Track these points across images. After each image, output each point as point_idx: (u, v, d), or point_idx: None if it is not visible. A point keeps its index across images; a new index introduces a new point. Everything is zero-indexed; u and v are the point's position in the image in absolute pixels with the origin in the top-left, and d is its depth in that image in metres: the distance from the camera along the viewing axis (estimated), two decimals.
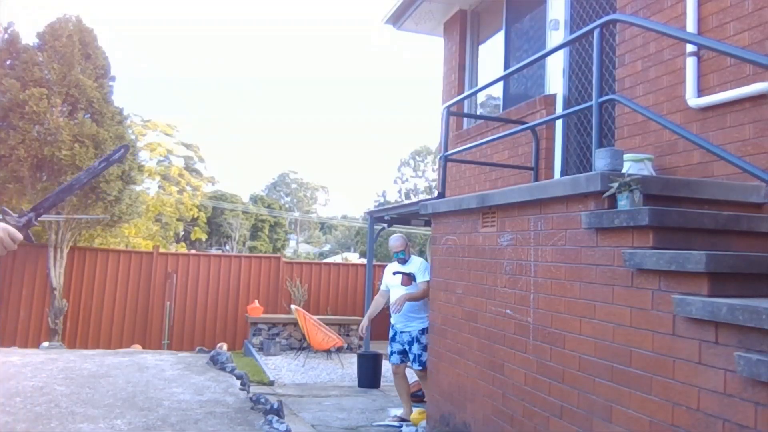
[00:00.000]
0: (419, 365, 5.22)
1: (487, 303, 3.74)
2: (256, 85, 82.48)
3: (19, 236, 1.61)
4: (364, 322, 5.69)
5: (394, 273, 5.42)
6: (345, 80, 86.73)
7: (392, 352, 5.41)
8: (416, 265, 5.43)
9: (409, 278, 5.35)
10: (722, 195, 2.87)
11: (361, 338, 5.41)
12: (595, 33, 3.19)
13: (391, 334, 5.45)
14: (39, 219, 1.79)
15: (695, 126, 3.47)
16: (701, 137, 3.16)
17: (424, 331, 5.18)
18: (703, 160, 3.40)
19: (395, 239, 5.55)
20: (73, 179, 2.02)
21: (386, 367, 8.72)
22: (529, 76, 5.78)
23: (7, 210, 1.77)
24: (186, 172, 23.02)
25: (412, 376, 5.53)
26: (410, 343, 5.26)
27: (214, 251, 26.72)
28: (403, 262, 5.46)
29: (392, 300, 5.35)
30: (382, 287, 5.73)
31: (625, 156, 3.26)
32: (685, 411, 2.20)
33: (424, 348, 5.14)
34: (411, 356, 5.28)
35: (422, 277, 5.26)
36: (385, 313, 5.75)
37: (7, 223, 1.66)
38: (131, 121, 15.55)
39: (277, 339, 10.74)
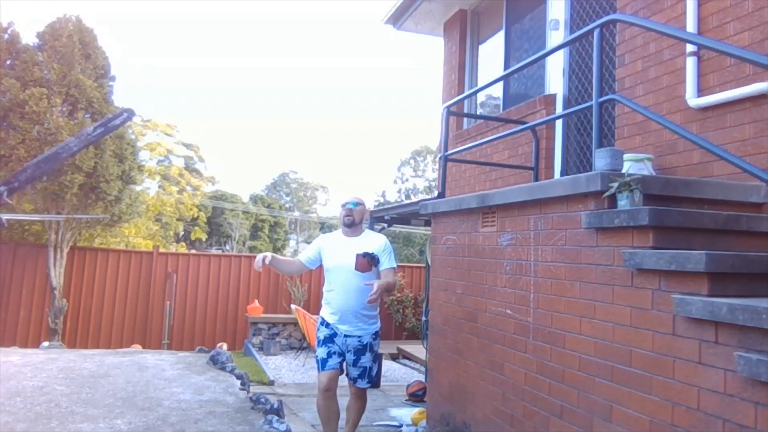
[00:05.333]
0: (367, 381, 3.97)
1: (487, 303, 3.74)
2: (256, 84, 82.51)
3: None
4: (267, 256, 3.89)
5: (365, 254, 3.85)
6: (345, 80, 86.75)
7: (329, 354, 3.91)
8: (377, 243, 3.99)
9: (370, 262, 3.86)
10: (722, 195, 2.87)
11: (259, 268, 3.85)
12: (595, 33, 3.19)
13: (325, 333, 3.99)
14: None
15: (695, 126, 3.47)
16: (701, 137, 3.16)
17: (377, 335, 4.06)
18: (703, 160, 3.40)
19: (352, 197, 4.12)
20: (59, 146, 1.67)
21: (386, 367, 8.76)
22: (529, 76, 5.78)
23: None
24: (186, 172, 23.05)
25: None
26: (359, 352, 3.94)
27: (214, 251, 26.70)
28: (351, 224, 4.03)
29: (340, 285, 3.93)
30: (303, 258, 4.21)
31: (625, 156, 3.26)
32: (685, 411, 2.21)
33: (375, 358, 4.05)
34: (357, 370, 3.94)
35: (389, 263, 3.95)
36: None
37: None
38: (131, 120, 15.54)
39: (277, 339, 10.77)
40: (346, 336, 3.95)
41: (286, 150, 73.27)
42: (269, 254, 3.91)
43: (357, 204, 4.07)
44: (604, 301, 2.69)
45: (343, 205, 4.09)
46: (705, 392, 2.12)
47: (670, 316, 2.30)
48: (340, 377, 3.99)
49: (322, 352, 3.97)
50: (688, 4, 3.62)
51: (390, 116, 79.52)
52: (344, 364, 4.00)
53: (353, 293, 3.90)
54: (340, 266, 3.95)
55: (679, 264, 2.24)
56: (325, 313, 4.06)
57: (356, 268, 3.84)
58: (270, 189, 44.20)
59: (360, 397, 4.06)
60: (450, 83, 7.20)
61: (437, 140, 7.98)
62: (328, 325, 4.02)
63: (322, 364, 3.93)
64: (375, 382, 4.06)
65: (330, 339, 3.97)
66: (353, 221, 4.04)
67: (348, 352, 3.95)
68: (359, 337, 3.96)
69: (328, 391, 3.89)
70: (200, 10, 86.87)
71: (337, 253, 4.01)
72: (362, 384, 3.98)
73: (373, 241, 4.02)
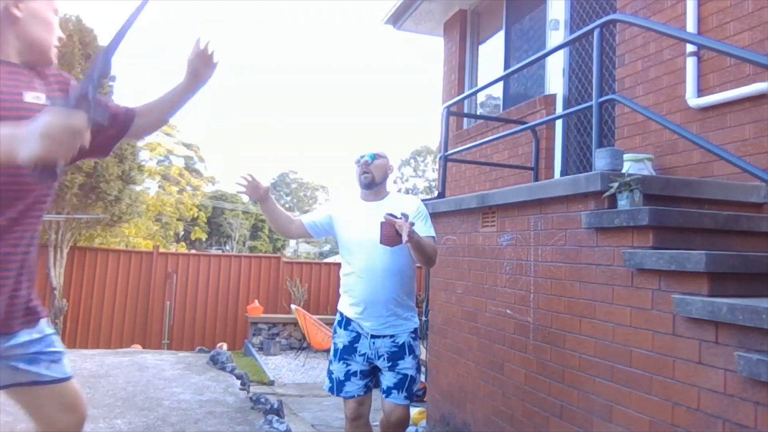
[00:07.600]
0: (405, 396, 2.81)
1: (487, 303, 3.74)
2: (257, 84, 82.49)
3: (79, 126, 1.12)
4: (263, 183, 2.96)
5: (391, 216, 2.61)
6: (345, 80, 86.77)
7: (347, 375, 2.86)
8: (409, 207, 2.82)
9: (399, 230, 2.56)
10: (722, 195, 2.87)
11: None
12: (595, 33, 3.19)
13: (344, 340, 2.91)
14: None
15: (695, 126, 3.47)
16: (701, 137, 3.16)
17: (416, 334, 2.94)
18: (703, 160, 3.40)
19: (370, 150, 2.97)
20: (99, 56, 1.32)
21: None
22: (529, 76, 5.79)
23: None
24: (186, 172, 23.05)
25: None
26: (395, 356, 2.83)
27: (214, 251, 26.71)
28: (370, 184, 2.92)
29: (363, 266, 2.84)
30: (306, 220, 3.10)
31: (625, 156, 3.27)
32: (685, 411, 2.20)
33: (419, 366, 2.91)
34: (395, 376, 2.81)
35: (427, 230, 2.82)
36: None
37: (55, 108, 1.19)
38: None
39: (277, 339, 10.76)
40: (374, 338, 2.85)
41: (286, 150, 73.29)
42: (263, 185, 2.96)
43: (376, 156, 2.93)
44: (604, 301, 2.69)
45: (358, 160, 2.95)
46: (705, 392, 2.12)
47: (670, 316, 2.30)
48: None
49: (338, 369, 2.89)
50: (688, 4, 3.62)
51: (390, 116, 79.58)
52: (373, 375, 2.95)
53: (381, 277, 2.82)
54: (361, 241, 2.86)
55: (679, 264, 2.24)
56: (344, 305, 2.96)
57: (382, 242, 2.65)
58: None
59: (399, 425, 2.83)
60: (450, 83, 7.20)
61: (437, 140, 7.98)
62: (347, 324, 2.92)
63: (338, 387, 2.87)
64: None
65: (349, 350, 2.88)
66: (372, 180, 2.91)
67: (380, 358, 2.85)
68: (392, 337, 2.86)
69: (358, 420, 2.87)
70: (200, 10, 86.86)
71: (355, 223, 2.92)
72: (398, 398, 2.79)
73: (403, 205, 2.83)
